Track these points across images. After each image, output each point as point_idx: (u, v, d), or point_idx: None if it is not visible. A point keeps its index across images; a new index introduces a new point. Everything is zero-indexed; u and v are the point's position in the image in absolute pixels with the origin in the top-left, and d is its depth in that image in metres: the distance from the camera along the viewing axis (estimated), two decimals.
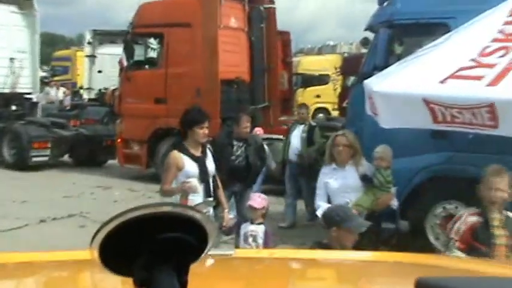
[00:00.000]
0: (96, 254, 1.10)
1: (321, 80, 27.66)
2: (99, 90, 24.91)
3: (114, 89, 20.45)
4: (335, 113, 23.66)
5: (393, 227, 8.40)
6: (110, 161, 17.22)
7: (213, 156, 6.81)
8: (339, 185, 6.64)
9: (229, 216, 7.10)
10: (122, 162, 15.64)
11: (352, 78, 15.08)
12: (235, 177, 8.74)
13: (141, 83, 15.05)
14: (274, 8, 15.84)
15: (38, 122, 18.05)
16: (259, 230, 6.55)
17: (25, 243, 9.42)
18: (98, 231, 1.09)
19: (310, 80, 27.05)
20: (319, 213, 6.33)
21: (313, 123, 11.70)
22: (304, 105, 12.31)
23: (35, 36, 19.57)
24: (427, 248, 7.89)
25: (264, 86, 15.51)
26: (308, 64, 29.11)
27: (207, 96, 13.53)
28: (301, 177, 10.82)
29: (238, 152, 8.95)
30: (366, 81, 7.34)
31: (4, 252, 2.34)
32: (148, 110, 14.76)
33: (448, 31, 7.54)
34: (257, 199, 6.81)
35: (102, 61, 25.39)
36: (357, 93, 8.67)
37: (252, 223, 6.63)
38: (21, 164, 16.67)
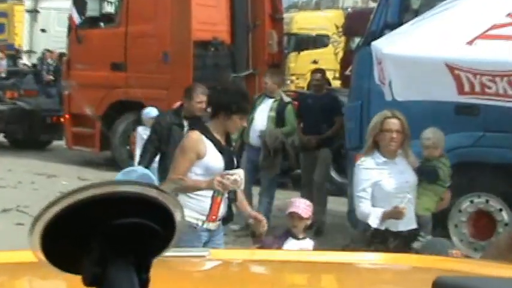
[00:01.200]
0: (36, 245, 1.05)
1: (319, 41, 27.64)
2: (42, 53, 24.77)
3: (61, 53, 20.36)
4: (336, 83, 23.68)
5: None
6: (55, 142, 17.12)
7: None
8: (397, 183, 6.28)
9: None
10: (70, 143, 15.59)
11: (357, 40, 15.03)
12: None
13: (95, 44, 15.01)
14: None
15: None
16: (309, 247, 6.32)
17: None
18: (38, 218, 1.04)
19: (306, 42, 27.01)
20: (373, 222, 6.10)
21: (286, 99, 11.03)
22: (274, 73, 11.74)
23: None
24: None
25: (248, 48, 15.47)
26: (303, 21, 29.05)
27: (176, 61, 13.52)
28: (263, 166, 10.47)
29: None
30: (374, 43, 7.30)
31: None
32: (103, 78, 14.76)
33: None
34: (302, 206, 6.52)
35: (46, 17, 25.34)
36: (363, 57, 8.60)
37: (294, 237, 6.36)
38: None
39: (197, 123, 6.34)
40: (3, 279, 2.21)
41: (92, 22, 15.55)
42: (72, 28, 15.50)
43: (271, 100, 10.55)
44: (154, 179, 7.16)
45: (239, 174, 5.87)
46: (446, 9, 6.92)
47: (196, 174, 5.94)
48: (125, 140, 14.43)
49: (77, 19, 15.35)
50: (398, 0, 9.02)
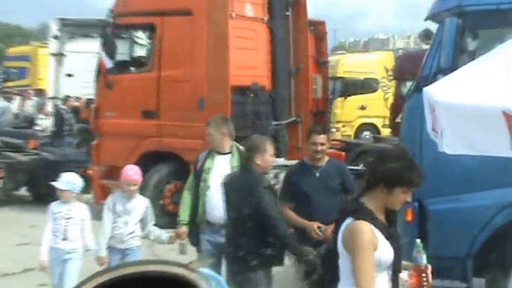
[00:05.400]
0: None
1: (367, 86, 27.69)
2: (64, 99, 25.03)
3: (88, 99, 20.61)
4: (385, 131, 23.67)
5: (463, 287, 8.38)
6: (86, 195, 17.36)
7: None
8: None
9: None
10: (98, 198, 15.46)
11: (408, 84, 15.07)
12: None
13: (126, 90, 15.19)
14: None
15: None
16: None
17: None
18: None
19: (353, 86, 27.09)
20: None
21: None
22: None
23: None
24: None
25: (290, 94, 15.58)
26: (350, 64, 29.15)
27: (213, 108, 13.56)
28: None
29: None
30: (426, 89, 7.31)
31: None
32: (134, 126, 14.89)
33: None
34: None
35: (72, 61, 25.59)
36: (415, 104, 8.54)
37: None
38: None
39: (360, 209, 5.20)
40: None
41: (122, 66, 15.65)
42: (100, 73, 15.61)
43: (226, 156, 8.80)
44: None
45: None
46: (506, 51, 6.96)
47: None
48: (157, 195, 14.48)
49: (106, 63, 15.43)
50: (452, 43, 8.95)
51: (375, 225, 5.05)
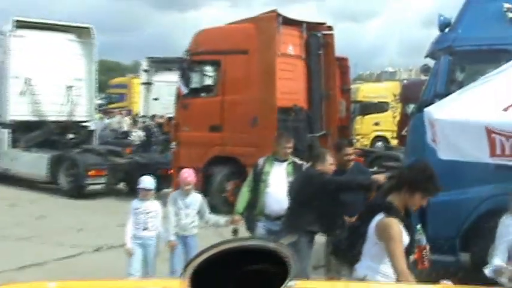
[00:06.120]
0: (187, 283, 1.14)
1: (380, 107, 27.47)
2: (152, 115, 25.22)
3: (169, 117, 20.74)
4: (394, 142, 23.49)
5: (453, 259, 8.28)
6: (166, 190, 17.41)
7: None
8: None
9: None
10: (176, 187, 15.57)
11: (411, 106, 14.97)
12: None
13: (197, 110, 15.18)
14: (332, 34, 15.85)
15: (94, 150, 18.43)
16: None
17: (80, 271, 9.56)
18: (189, 264, 1.12)
19: (369, 108, 26.85)
20: (490, 273, 5.91)
21: (299, 161, 8.76)
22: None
23: (92, 64, 20.06)
24: (488, 283, 7.71)
25: (322, 113, 15.49)
26: (367, 91, 29.03)
27: (263, 124, 13.60)
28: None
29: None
30: (426, 109, 7.23)
31: (61, 281, 2.39)
32: (204, 137, 14.88)
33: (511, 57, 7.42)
34: None
35: (158, 88, 25.80)
36: (417, 121, 8.54)
37: None
38: (78, 192, 17.04)
39: (391, 208, 5.13)
40: None
41: (194, 92, 15.65)
42: (179, 97, 15.63)
43: (283, 163, 8.48)
44: None
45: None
46: (486, 81, 6.84)
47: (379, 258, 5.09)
48: (220, 189, 14.56)
49: (183, 90, 15.45)
50: (445, 74, 9.00)
51: (400, 220, 4.98)
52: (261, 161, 8.50)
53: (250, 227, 8.39)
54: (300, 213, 7.61)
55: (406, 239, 5.03)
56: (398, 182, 5.24)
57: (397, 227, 4.99)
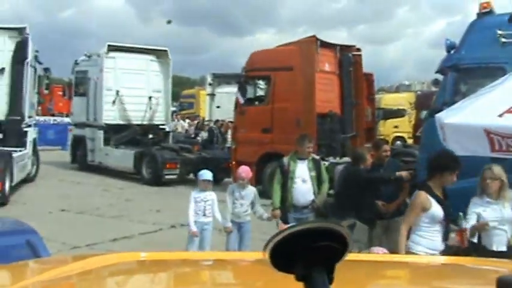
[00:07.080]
0: (268, 255, 1.17)
1: (399, 113, 27.15)
2: (216, 120, 25.35)
3: (229, 121, 20.81)
4: (410, 141, 23.22)
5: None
6: (226, 179, 17.46)
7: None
8: (493, 217, 5.77)
9: None
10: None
11: (424, 112, 14.80)
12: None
13: (252, 116, 15.20)
14: (360, 55, 15.76)
15: (170, 147, 18.55)
16: None
17: (160, 243, 9.61)
18: (270, 240, 1.16)
19: (390, 114, 26.58)
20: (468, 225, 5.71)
21: (317, 156, 8.74)
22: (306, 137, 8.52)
23: (168, 79, 20.28)
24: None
25: (352, 118, 15.36)
26: (388, 100, 28.78)
27: (305, 126, 13.48)
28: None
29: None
30: (437, 115, 7.20)
31: (150, 252, 2.36)
32: (257, 137, 14.85)
33: (505, 73, 7.38)
34: (380, 252, 5.07)
35: (220, 98, 25.88)
36: (429, 124, 8.61)
37: None
38: (156, 181, 17.15)
39: (423, 185, 5.54)
40: (193, 270, 2.16)
41: (250, 102, 15.70)
42: (237, 106, 15.68)
43: (305, 161, 8.15)
44: None
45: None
46: (485, 93, 6.82)
47: (424, 222, 5.43)
48: (271, 179, 14.35)
49: (240, 100, 15.51)
50: (452, 87, 9.18)
51: (430, 195, 5.41)
52: (285, 159, 8.23)
53: (284, 219, 8.06)
54: (346, 204, 7.48)
55: (438, 212, 5.39)
56: (430, 169, 5.59)
57: (419, 198, 5.44)
